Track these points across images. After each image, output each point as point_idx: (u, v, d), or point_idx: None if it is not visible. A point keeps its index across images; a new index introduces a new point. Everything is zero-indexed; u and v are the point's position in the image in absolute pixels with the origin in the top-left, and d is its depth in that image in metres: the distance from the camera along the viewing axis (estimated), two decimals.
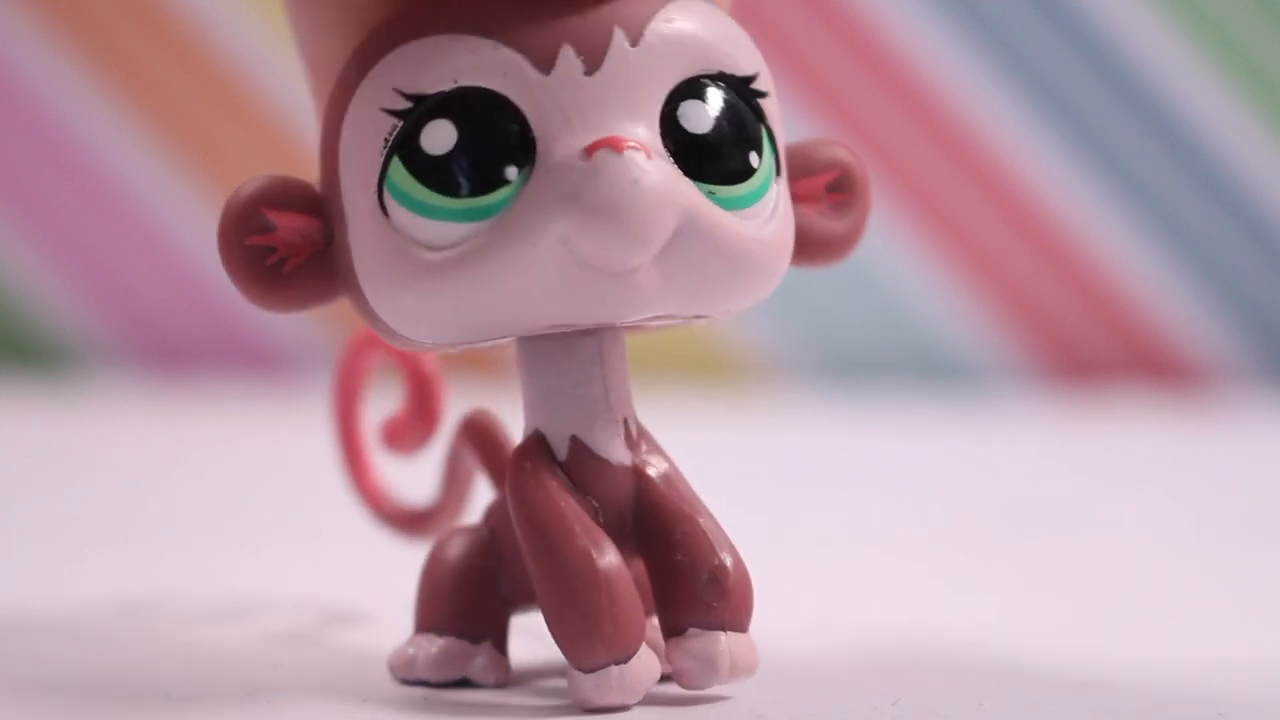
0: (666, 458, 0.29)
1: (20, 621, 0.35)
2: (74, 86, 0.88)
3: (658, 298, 0.27)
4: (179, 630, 0.35)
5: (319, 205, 0.28)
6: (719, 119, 0.27)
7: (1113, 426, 0.76)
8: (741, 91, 0.28)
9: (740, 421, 0.79)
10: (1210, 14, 0.84)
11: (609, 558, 0.27)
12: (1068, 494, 0.56)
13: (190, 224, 0.88)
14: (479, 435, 0.32)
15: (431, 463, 0.34)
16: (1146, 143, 0.85)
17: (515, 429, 0.29)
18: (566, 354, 0.28)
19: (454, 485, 0.34)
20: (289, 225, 0.27)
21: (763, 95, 0.28)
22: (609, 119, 0.26)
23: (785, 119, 0.29)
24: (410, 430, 0.33)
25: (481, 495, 0.33)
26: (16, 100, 0.88)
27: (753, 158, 0.27)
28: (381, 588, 0.37)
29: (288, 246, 0.28)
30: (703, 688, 0.28)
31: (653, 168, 0.26)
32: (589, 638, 0.27)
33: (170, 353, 0.88)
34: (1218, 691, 0.29)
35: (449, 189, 0.26)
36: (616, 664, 0.27)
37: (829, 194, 0.29)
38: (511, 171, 0.26)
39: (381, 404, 0.35)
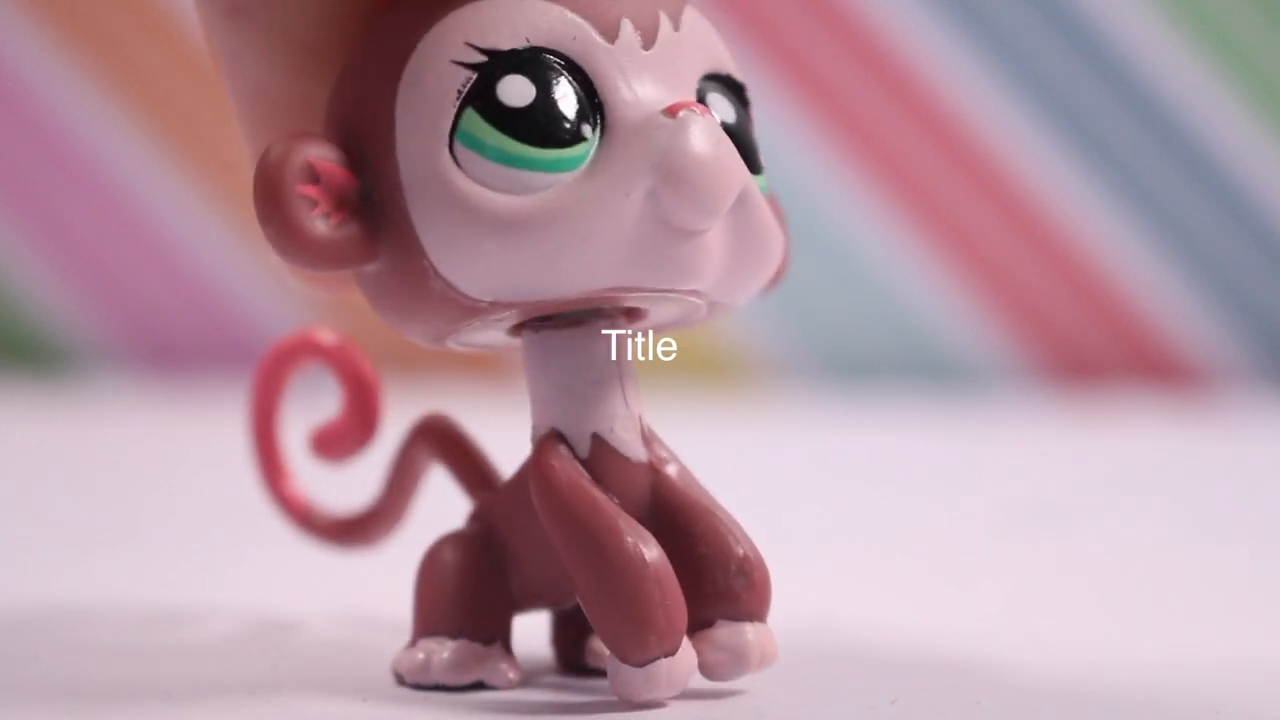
0: (674, 455, 0.29)
1: (20, 622, 0.35)
2: (75, 88, 0.88)
3: (710, 269, 0.27)
4: (179, 630, 0.35)
5: (353, 165, 0.27)
6: (738, 113, 0.28)
7: (1113, 427, 0.76)
8: (741, 97, 0.29)
9: (740, 421, 0.79)
10: (1210, 14, 0.84)
11: (655, 550, 0.27)
12: (1068, 494, 0.56)
13: (190, 224, 0.88)
14: (442, 440, 0.32)
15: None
16: (1146, 143, 0.85)
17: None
18: (584, 352, 0.28)
19: (400, 489, 0.33)
20: (333, 177, 0.27)
21: (749, 105, 0.29)
22: (664, 93, 0.27)
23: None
24: (348, 436, 0.33)
25: (424, 501, 0.33)
26: (17, 101, 0.88)
27: (760, 156, 0.28)
28: (381, 587, 0.37)
29: (330, 201, 0.27)
30: (731, 679, 0.28)
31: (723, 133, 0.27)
32: (643, 631, 0.26)
33: (170, 353, 0.88)
34: (1217, 691, 0.29)
35: (534, 139, 0.26)
36: (666, 656, 0.27)
37: None
38: (587, 129, 0.26)
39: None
